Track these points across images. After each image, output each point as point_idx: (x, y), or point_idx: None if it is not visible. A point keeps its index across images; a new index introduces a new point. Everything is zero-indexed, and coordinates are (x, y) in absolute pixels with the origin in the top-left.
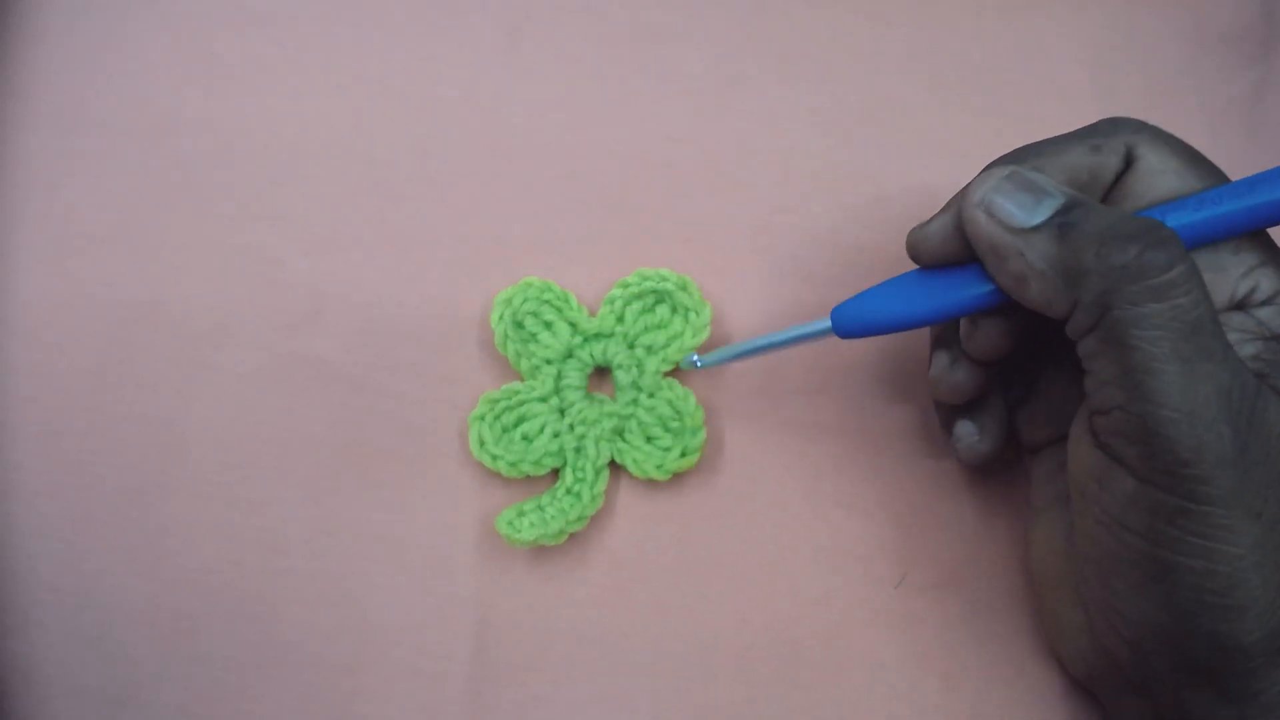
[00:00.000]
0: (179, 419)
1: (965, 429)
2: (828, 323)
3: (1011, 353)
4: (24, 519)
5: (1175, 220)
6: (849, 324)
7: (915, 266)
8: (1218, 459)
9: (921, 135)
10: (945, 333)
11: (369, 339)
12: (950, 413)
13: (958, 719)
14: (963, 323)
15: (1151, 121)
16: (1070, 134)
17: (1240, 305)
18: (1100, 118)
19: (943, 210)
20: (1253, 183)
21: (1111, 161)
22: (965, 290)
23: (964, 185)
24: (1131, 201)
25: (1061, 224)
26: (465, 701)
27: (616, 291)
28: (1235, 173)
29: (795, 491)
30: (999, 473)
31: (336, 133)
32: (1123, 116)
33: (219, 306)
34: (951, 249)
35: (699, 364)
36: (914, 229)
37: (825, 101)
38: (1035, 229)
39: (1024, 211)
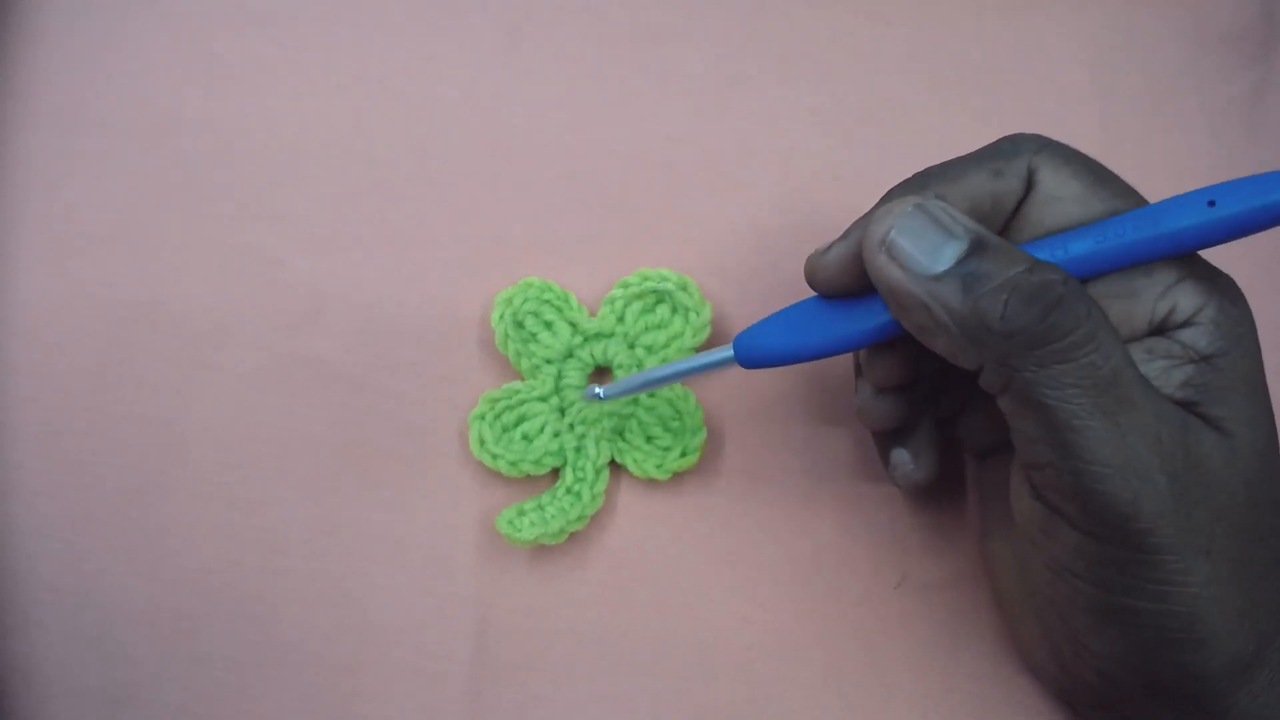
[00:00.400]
0: (179, 419)
1: (900, 457)
2: (730, 351)
3: (914, 380)
4: (24, 519)
5: (1077, 248)
6: (749, 354)
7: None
8: (1157, 510)
9: (921, 135)
10: (867, 358)
11: (369, 339)
12: (885, 440)
13: (957, 719)
14: (861, 353)
15: (1152, 121)
16: (972, 155)
17: (1160, 329)
18: (1100, 117)
19: (842, 237)
20: (1158, 211)
21: (1013, 186)
22: (867, 322)
23: (865, 211)
24: (1031, 229)
25: (966, 275)
26: (465, 701)
27: (617, 291)
28: (1234, 174)
29: (795, 491)
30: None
31: (336, 133)
32: (1025, 134)
33: (219, 306)
34: (851, 279)
35: (602, 396)
36: (812, 255)
37: (825, 101)
38: (939, 278)
39: (928, 256)
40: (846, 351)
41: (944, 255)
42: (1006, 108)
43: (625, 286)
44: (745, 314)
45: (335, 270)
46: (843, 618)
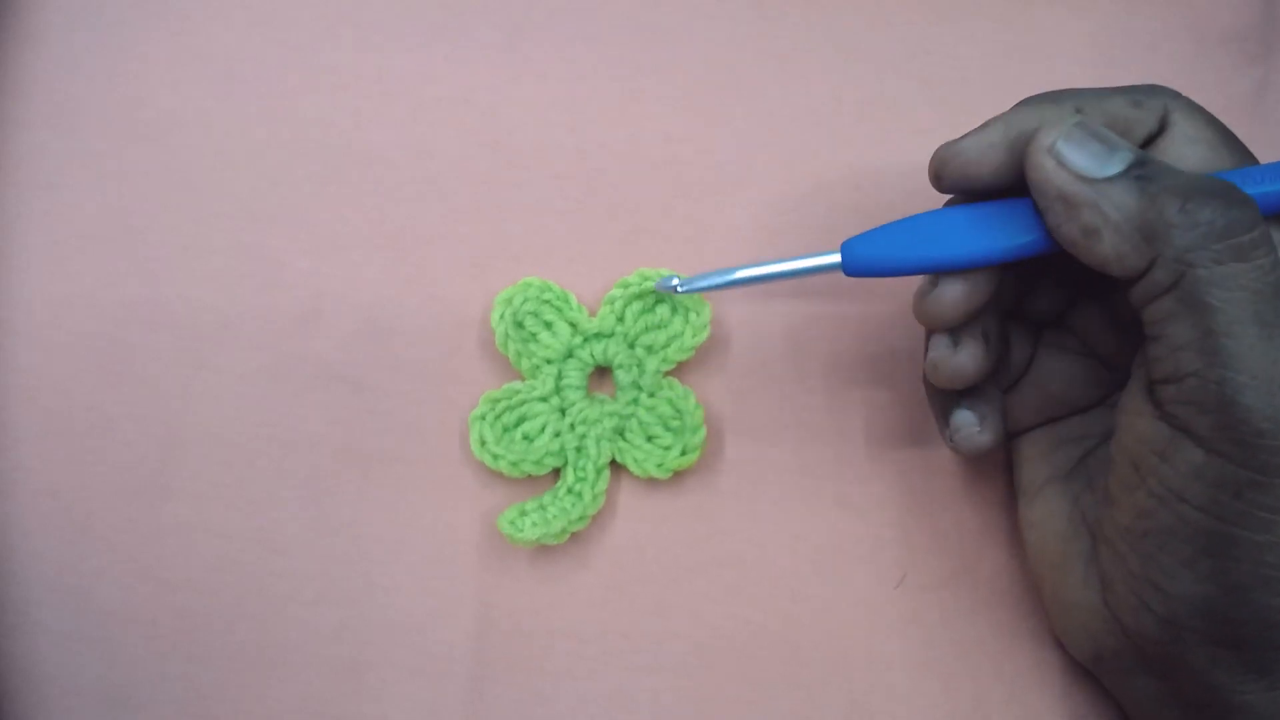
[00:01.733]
0: (179, 419)
1: (964, 418)
2: (836, 257)
3: (966, 319)
4: (24, 519)
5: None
6: (860, 261)
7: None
8: None
9: (921, 135)
10: None
11: (369, 339)
12: (946, 401)
13: (958, 718)
14: (920, 282)
15: None
16: (1107, 88)
17: None
18: None
19: (978, 129)
20: None
21: (1150, 120)
22: (1001, 234)
23: (1002, 111)
24: None
25: (1139, 176)
26: (466, 701)
27: (617, 291)
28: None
29: (795, 491)
30: (1000, 472)
31: (336, 133)
32: (1160, 84)
33: (219, 306)
34: (987, 173)
35: (679, 289)
36: (941, 147)
37: (825, 101)
38: (1111, 180)
39: (1097, 162)
40: (971, 267)
41: (1114, 161)
42: (1006, 108)
43: (625, 286)
44: (745, 313)
45: (335, 270)
46: (843, 618)
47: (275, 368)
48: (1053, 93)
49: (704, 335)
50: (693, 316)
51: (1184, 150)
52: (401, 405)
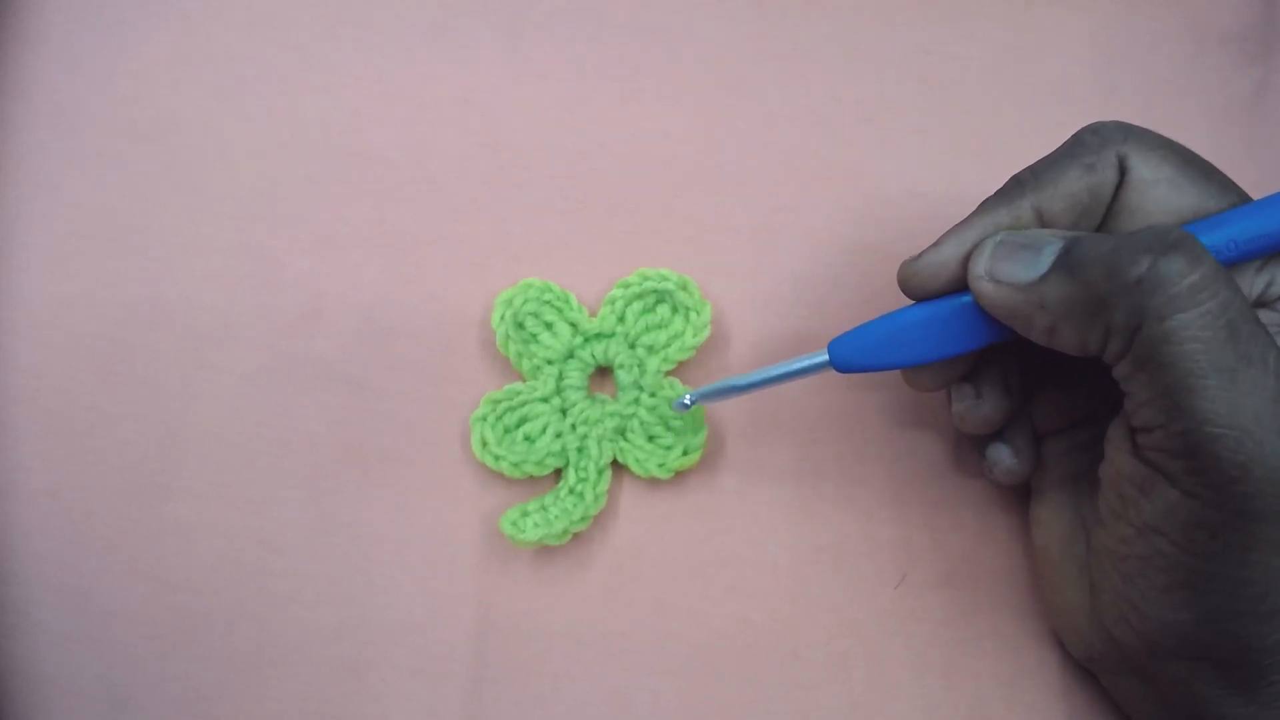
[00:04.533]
0: (179, 419)
1: (1000, 453)
2: (825, 356)
3: (1013, 380)
4: (24, 519)
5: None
6: (848, 360)
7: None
8: (1267, 475)
9: (921, 136)
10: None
11: (369, 339)
12: (981, 438)
13: (958, 718)
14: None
15: (1152, 121)
16: (1061, 151)
17: (1261, 302)
18: (1100, 118)
19: (934, 245)
20: (1267, 205)
21: (1108, 177)
22: (974, 328)
23: (958, 222)
24: (1128, 216)
25: (1068, 264)
26: (466, 702)
27: (617, 291)
28: (1234, 174)
29: (795, 491)
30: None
31: (337, 133)
32: (1107, 123)
33: (219, 306)
34: (945, 286)
35: (689, 403)
36: (905, 262)
37: (825, 101)
38: (1044, 278)
39: (1027, 267)
40: (955, 357)
41: (1042, 259)
42: (1006, 108)
43: (625, 286)
44: (745, 313)
45: (335, 270)
46: (843, 618)
47: (275, 368)
48: (1009, 185)
49: (705, 335)
50: (693, 316)
51: (1145, 196)
52: (401, 405)
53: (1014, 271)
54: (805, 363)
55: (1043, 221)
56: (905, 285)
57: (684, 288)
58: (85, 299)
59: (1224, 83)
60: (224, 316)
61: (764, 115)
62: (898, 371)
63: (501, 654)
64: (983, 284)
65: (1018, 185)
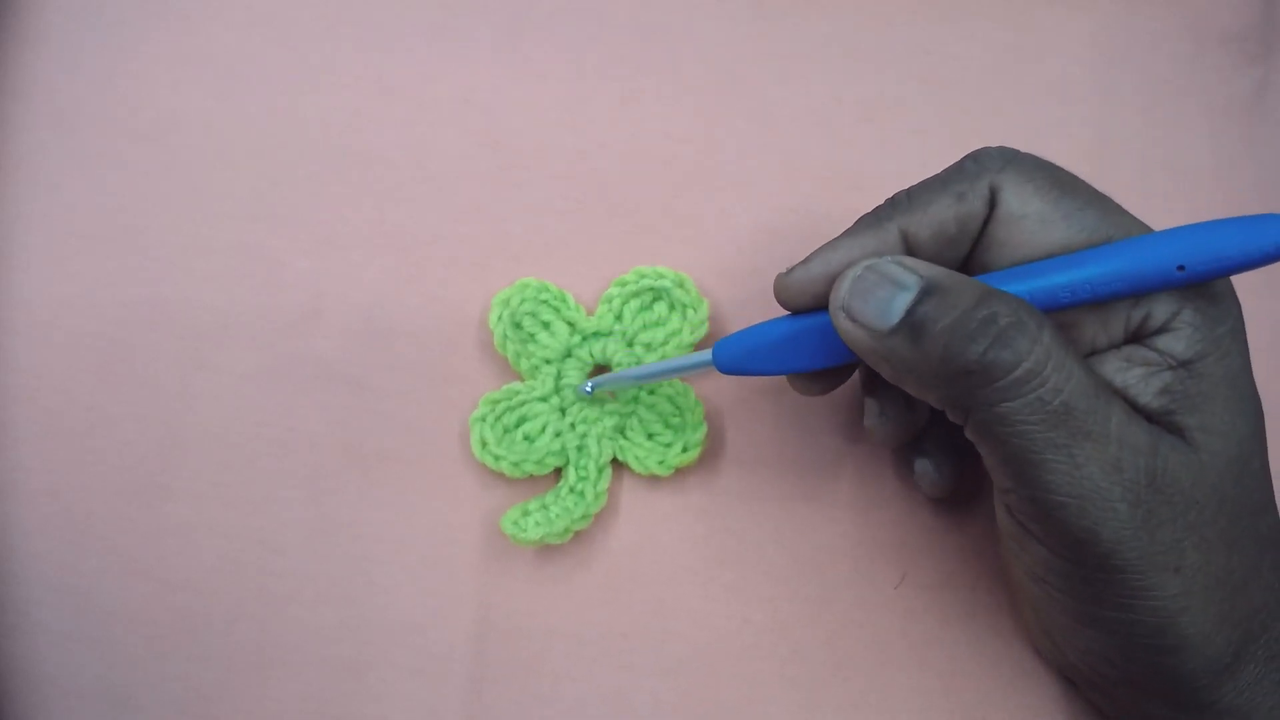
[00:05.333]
0: (179, 419)
1: (923, 467)
2: (709, 356)
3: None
4: (24, 519)
5: (1044, 282)
6: (728, 363)
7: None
8: (1116, 536)
9: (921, 135)
10: (871, 379)
11: (369, 339)
12: (904, 452)
13: (957, 718)
14: (864, 374)
15: (1152, 121)
16: (939, 177)
17: (1137, 336)
18: (1100, 118)
19: (804, 262)
20: (1125, 264)
21: (976, 208)
22: (839, 345)
23: (830, 239)
24: (997, 248)
25: (913, 325)
26: (466, 701)
27: (614, 290)
28: (1234, 174)
29: (795, 491)
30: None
31: (336, 133)
32: (991, 149)
33: (219, 306)
34: (813, 301)
35: (589, 390)
36: (779, 275)
37: (825, 101)
38: (892, 332)
39: (880, 313)
40: (822, 368)
41: (895, 307)
42: (1006, 108)
43: (622, 285)
44: (744, 313)
45: (335, 270)
46: (843, 618)
47: (275, 368)
48: (883, 206)
49: (703, 332)
50: (690, 313)
51: (1010, 231)
52: (401, 405)
53: (867, 314)
54: (692, 360)
55: (909, 246)
56: (779, 297)
57: (681, 285)
58: (85, 299)
59: (1224, 83)
60: (224, 316)
61: (764, 115)
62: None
63: (501, 654)
64: (840, 319)
65: (891, 207)
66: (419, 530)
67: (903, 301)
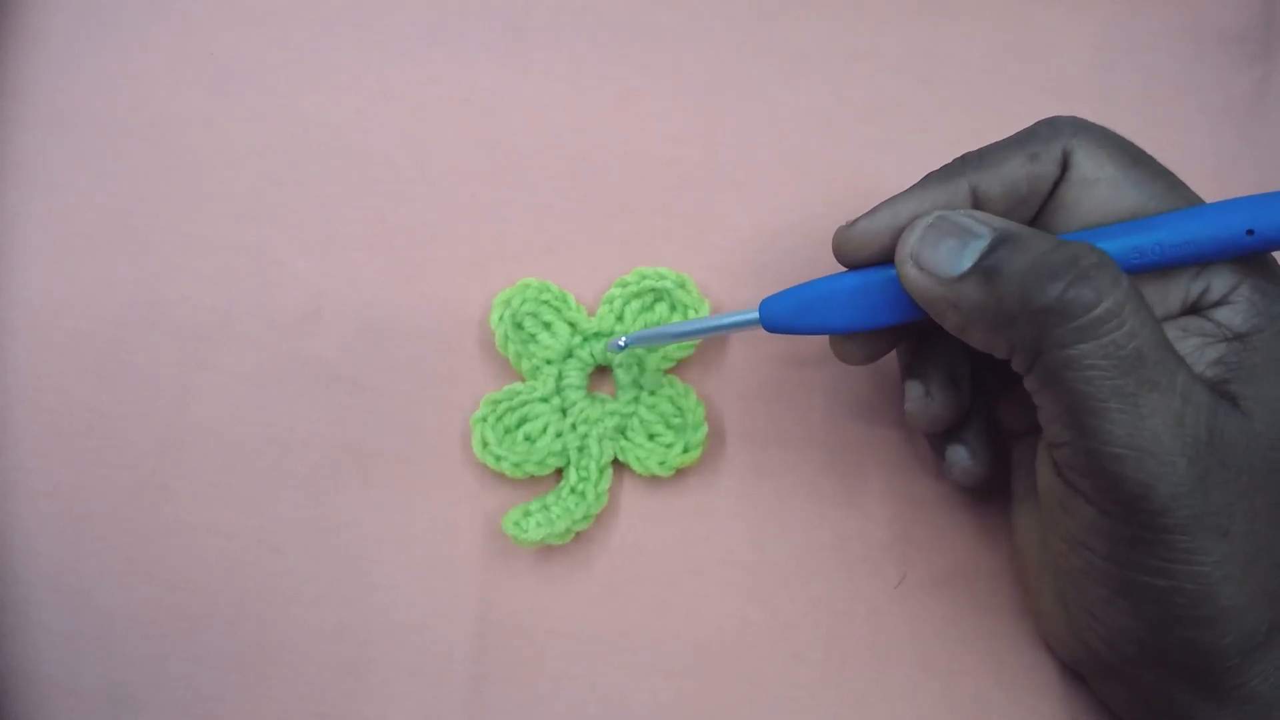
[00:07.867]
0: (179, 419)
1: (957, 454)
2: (754, 315)
3: (963, 376)
4: (24, 519)
5: (1115, 244)
6: (776, 320)
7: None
8: (1173, 492)
9: (921, 135)
10: (915, 362)
11: (369, 339)
12: (938, 438)
13: (958, 718)
14: (907, 353)
15: (1152, 121)
16: (1011, 139)
17: (1195, 308)
18: (1101, 118)
19: (870, 213)
20: (1193, 228)
21: (1048, 169)
22: (900, 302)
23: (898, 192)
24: (1066, 213)
25: (987, 268)
26: (466, 701)
27: (615, 290)
28: (1234, 174)
29: (795, 491)
30: (999, 473)
31: (336, 133)
32: (1063, 117)
33: (219, 306)
34: (876, 255)
35: (623, 345)
36: (840, 228)
37: (825, 101)
38: (963, 277)
39: (951, 259)
40: (879, 328)
41: (966, 254)
42: (1006, 108)
43: (624, 285)
44: None
45: (335, 270)
46: (843, 618)
47: (275, 368)
48: (954, 163)
49: None
50: (691, 314)
51: (1081, 194)
52: (401, 405)
53: (937, 261)
54: (736, 318)
55: (978, 203)
56: (838, 251)
57: (682, 286)
58: (85, 299)
59: (1224, 83)
60: (224, 316)
61: (764, 115)
62: (895, 371)
63: (501, 654)
64: (907, 267)
65: (961, 163)
66: (419, 530)
67: (975, 248)
